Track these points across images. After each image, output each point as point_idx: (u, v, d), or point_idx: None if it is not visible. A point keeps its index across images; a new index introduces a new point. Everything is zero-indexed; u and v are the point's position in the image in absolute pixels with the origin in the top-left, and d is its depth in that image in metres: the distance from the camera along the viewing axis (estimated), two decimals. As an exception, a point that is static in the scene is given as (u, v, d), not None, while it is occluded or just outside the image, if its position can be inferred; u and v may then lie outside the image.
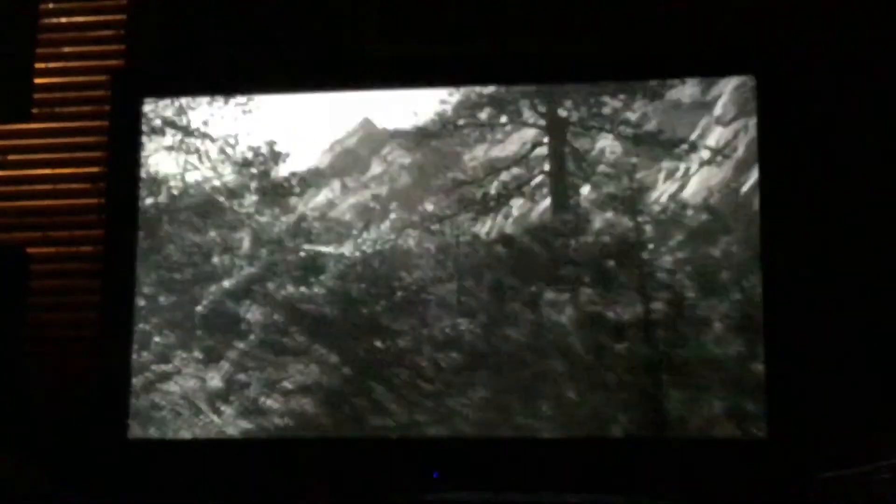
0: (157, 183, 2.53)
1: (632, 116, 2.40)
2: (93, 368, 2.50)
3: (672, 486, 2.17)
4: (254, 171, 2.51)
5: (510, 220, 2.41)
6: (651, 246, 2.33)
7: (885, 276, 2.43)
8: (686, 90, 2.38)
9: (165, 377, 2.42)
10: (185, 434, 2.38)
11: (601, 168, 2.39)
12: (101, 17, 2.88)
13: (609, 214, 2.35)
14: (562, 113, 2.44)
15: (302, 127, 2.51)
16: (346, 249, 2.45)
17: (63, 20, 2.88)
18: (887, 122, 2.51)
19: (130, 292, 2.46)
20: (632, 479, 2.23)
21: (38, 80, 2.82)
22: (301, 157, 2.51)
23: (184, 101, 2.54)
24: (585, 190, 2.39)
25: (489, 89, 2.46)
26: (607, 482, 2.21)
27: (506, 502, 2.14)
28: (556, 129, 2.44)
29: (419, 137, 2.47)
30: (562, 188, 2.40)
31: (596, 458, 2.28)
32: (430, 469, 2.28)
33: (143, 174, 2.53)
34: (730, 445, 2.23)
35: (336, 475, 2.34)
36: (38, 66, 2.82)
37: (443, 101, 2.47)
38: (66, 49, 2.88)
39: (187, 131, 2.54)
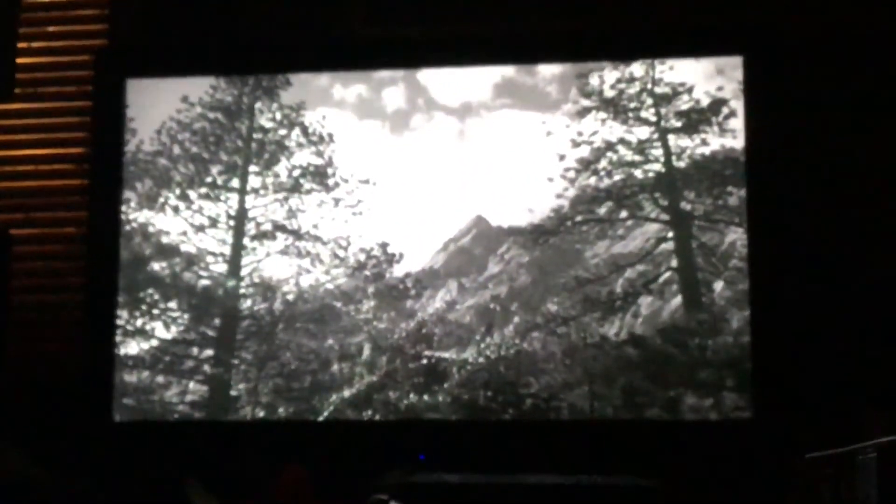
0: (270, 289, 2.22)
1: (761, 208, 2.09)
2: (77, 351, 2.24)
3: (659, 466, 1.94)
4: (367, 273, 2.20)
5: (639, 319, 2.10)
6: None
7: (870, 260, 2.16)
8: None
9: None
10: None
11: (733, 263, 2.07)
12: (85, -3, 2.56)
13: (748, 312, 2.04)
14: (685, 206, 2.12)
15: (413, 226, 2.21)
16: (469, 355, 2.14)
17: (46, -1, 2.57)
18: (877, 104, 2.21)
19: (114, 273, 2.19)
20: (618, 460, 2.00)
21: (20, 60, 2.49)
22: (414, 257, 2.21)
23: (293, 202, 2.24)
24: (719, 286, 2.08)
25: (605, 182, 2.16)
26: (594, 463, 1.97)
27: (490, 484, 1.91)
28: (680, 223, 2.12)
29: (536, 234, 2.16)
30: (693, 285, 2.09)
31: (583, 440, 2.04)
32: (417, 451, 2.05)
33: (256, 279, 2.23)
34: (716, 427, 2.00)
35: (324, 457, 2.07)
36: (21, 45, 2.50)
37: (559, 195, 2.17)
38: (50, 28, 2.55)
39: (298, 234, 2.24)
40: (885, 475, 1.44)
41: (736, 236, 2.08)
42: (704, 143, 2.13)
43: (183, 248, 2.25)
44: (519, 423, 2.06)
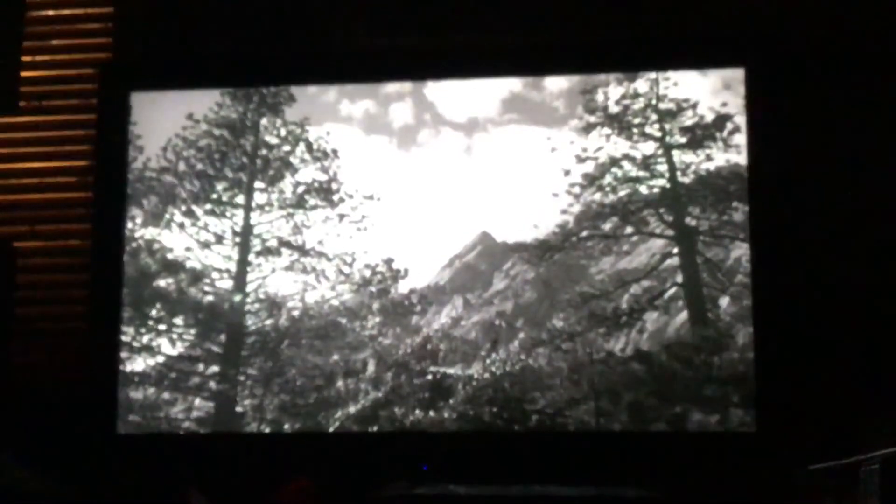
0: (276, 305, 2.21)
1: (767, 224, 2.06)
2: (80, 363, 2.22)
3: (663, 478, 1.93)
4: (372, 289, 2.19)
5: (645, 335, 2.07)
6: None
7: (874, 275, 2.12)
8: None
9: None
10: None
11: (739, 278, 2.05)
12: (89, 10, 2.52)
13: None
14: (690, 221, 2.10)
15: (418, 242, 2.19)
16: (475, 371, 2.12)
17: (50, 13, 2.53)
18: (882, 117, 2.18)
19: (118, 286, 2.17)
20: (622, 471, 1.97)
21: (25, 73, 2.48)
22: (420, 273, 2.19)
23: (298, 218, 2.23)
24: (724, 302, 2.05)
25: (610, 198, 2.13)
26: (597, 475, 1.95)
27: (494, 495, 1.89)
28: (685, 239, 2.10)
29: (541, 251, 2.14)
30: (698, 301, 2.06)
31: (588, 452, 2.01)
32: (420, 462, 2.02)
33: (261, 295, 2.21)
34: (720, 439, 1.97)
35: (328, 468, 2.05)
36: (25, 58, 2.48)
37: (564, 211, 2.15)
38: (54, 42, 2.53)
39: (303, 251, 2.22)
40: (888, 487, 1.42)
41: (741, 252, 2.05)
42: (709, 158, 2.11)
43: (188, 264, 2.23)
44: (523, 435, 2.03)
